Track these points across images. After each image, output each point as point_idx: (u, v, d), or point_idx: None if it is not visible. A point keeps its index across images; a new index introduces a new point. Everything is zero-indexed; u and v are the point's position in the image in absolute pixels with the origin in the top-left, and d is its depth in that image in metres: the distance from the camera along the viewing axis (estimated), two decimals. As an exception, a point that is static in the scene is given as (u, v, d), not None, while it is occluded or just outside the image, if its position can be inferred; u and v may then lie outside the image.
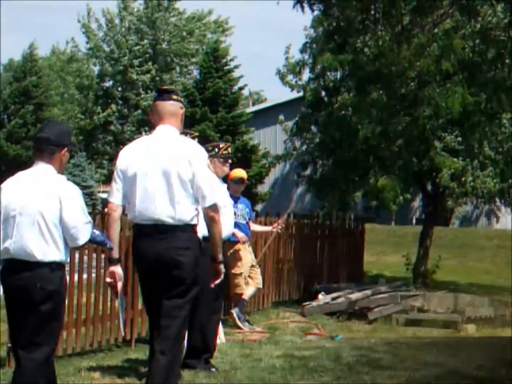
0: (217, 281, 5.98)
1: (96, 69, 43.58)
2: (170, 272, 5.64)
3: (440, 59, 13.40)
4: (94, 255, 8.74)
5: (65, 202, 5.26)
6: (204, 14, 44.18)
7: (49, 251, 5.25)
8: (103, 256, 8.68)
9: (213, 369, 7.82)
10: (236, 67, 32.52)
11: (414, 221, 37.60)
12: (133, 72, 40.49)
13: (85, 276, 8.61)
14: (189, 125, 26.89)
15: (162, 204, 5.66)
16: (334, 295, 12.59)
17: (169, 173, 5.66)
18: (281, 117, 28.32)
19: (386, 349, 9.39)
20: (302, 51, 17.16)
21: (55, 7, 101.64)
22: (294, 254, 13.92)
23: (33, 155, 5.50)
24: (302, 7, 15.45)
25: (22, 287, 5.24)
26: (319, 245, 14.90)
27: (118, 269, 5.91)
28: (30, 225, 5.25)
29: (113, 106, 40.45)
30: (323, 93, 18.17)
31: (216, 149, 8.22)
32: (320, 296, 12.69)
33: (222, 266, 5.94)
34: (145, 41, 41.31)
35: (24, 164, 36.78)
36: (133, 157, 5.79)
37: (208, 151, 8.14)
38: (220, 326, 8.86)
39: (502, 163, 16.73)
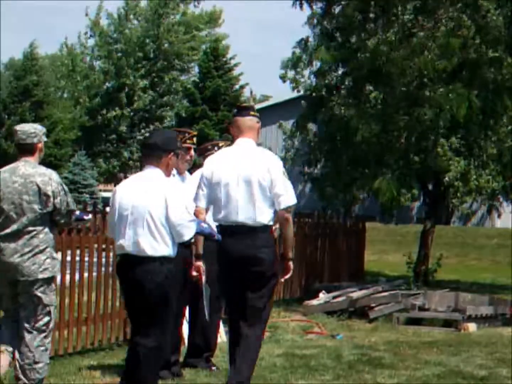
0: (287, 276, 6.66)
1: (98, 65, 43.47)
2: (252, 267, 6.33)
3: (439, 59, 13.38)
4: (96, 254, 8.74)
5: (171, 202, 5.78)
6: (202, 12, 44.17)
7: (158, 247, 5.78)
8: (104, 255, 8.71)
9: (214, 368, 7.84)
10: (236, 65, 32.54)
11: (415, 219, 37.59)
12: (130, 78, 40.32)
13: (86, 274, 8.61)
14: (188, 123, 26.93)
15: (244, 208, 6.34)
16: (335, 293, 12.58)
17: (251, 181, 6.33)
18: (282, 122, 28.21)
19: (387, 348, 9.40)
20: (298, 47, 17.13)
21: (57, 8, 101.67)
22: (295, 252, 13.90)
23: (143, 160, 6.10)
24: (301, 5, 15.50)
25: (136, 279, 5.77)
26: (320, 244, 14.90)
27: (202, 264, 7.19)
28: (141, 223, 5.79)
29: (117, 110, 40.26)
30: (323, 91, 18.08)
31: (216, 148, 8.21)
32: (320, 294, 12.68)
33: (291, 263, 6.60)
34: (148, 40, 41.25)
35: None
36: (217, 165, 6.46)
37: (208, 149, 8.17)
38: (221, 325, 8.86)
39: (502, 162, 16.71)
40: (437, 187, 17.70)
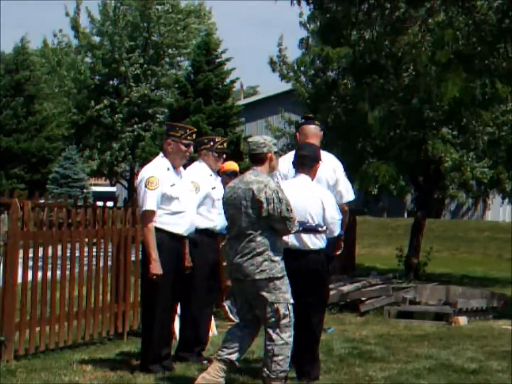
0: (338, 252, 7.55)
1: (87, 60, 43.18)
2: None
3: (435, 51, 13.38)
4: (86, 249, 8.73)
5: (326, 203, 6.97)
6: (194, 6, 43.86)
7: (317, 241, 6.95)
8: (94, 249, 8.70)
9: (205, 362, 7.81)
10: (228, 59, 32.43)
11: (406, 213, 37.65)
12: (124, 65, 40.15)
13: (76, 269, 8.58)
14: (182, 117, 26.83)
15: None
16: (326, 287, 12.57)
17: (320, 178, 7.32)
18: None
19: (378, 341, 9.41)
20: (299, 47, 17.16)
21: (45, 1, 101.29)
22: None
23: (296, 168, 7.15)
24: (299, 1, 15.48)
25: (298, 268, 6.83)
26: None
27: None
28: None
29: (105, 101, 40.08)
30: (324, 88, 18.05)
31: (212, 142, 8.20)
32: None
33: (342, 243, 7.58)
34: (138, 33, 41.00)
35: (15, 155, 36.77)
36: (290, 163, 7.31)
37: (203, 143, 8.17)
38: (212, 318, 8.85)
39: (496, 153, 16.74)
40: (428, 180, 17.72)
